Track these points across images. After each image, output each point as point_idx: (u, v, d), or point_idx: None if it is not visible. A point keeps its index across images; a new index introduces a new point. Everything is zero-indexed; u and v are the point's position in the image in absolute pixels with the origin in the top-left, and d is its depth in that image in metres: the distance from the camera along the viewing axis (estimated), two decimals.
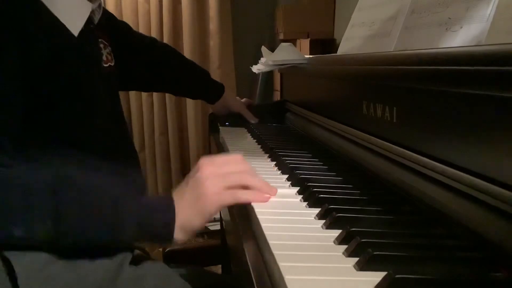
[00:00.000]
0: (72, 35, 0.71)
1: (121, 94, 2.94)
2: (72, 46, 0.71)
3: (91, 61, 0.76)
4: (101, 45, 0.80)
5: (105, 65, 0.80)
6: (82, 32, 0.73)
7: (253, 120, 1.29)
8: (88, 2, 0.75)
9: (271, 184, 0.65)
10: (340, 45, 1.11)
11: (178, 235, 0.61)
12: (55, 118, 0.69)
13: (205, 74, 1.26)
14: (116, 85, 0.88)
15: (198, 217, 0.61)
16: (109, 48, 0.84)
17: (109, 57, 0.82)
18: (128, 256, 0.67)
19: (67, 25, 0.70)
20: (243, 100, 1.36)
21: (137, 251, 0.72)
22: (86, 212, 0.58)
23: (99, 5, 0.79)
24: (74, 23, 0.71)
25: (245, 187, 0.62)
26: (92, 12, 0.77)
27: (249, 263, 0.48)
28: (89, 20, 0.76)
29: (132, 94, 2.52)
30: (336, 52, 1.16)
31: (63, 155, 0.67)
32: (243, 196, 0.61)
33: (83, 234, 0.58)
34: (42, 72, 0.66)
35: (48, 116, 0.69)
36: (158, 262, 0.74)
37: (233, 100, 1.31)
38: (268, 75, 2.40)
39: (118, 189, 0.62)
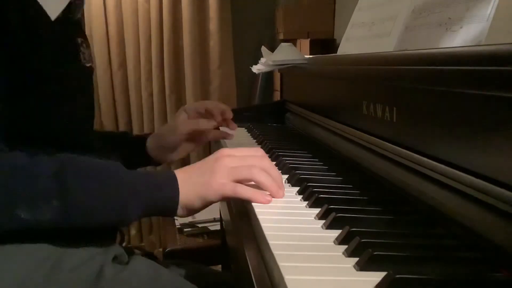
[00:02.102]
0: (48, 18, 0.68)
1: (121, 94, 2.91)
2: (49, 30, 0.69)
3: (68, 51, 0.74)
4: (84, 44, 0.79)
5: (87, 65, 0.78)
6: (60, 21, 0.71)
7: (229, 136, 1.02)
8: None
9: None
10: (340, 45, 1.11)
11: (180, 211, 0.63)
12: (26, 108, 0.66)
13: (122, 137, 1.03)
14: (92, 87, 0.85)
15: (199, 201, 0.63)
16: (90, 50, 0.82)
17: (89, 58, 0.80)
18: (107, 260, 0.65)
19: (44, 7, 0.68)
20: (210, 105, 0.99)
21: (120, 250, 0.70)
22: (91, 192, 0.58)
23: (82, 1, 0.77)
24: (53, 6, 0.69)
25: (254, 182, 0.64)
26: (74, 4, 0.75)
27: (249, 263, 0.48)
28: (69, 12, 0.74)
29: (132, 93, 2.52)
30: (336, 52, 1.16)
31: (34, 147, 0.64)
32: (242, 192, 0.62)
33: (89, 214, 0.58)
34: (16, 54, 0.64)
35: (19, 106, 0.66)
36: (144, 261, 0.71)
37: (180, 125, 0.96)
38: (268, 75, 2.40)
39: (121, 168, 0.62)
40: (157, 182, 0.63)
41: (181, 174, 0.63)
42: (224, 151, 0.66)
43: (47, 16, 0.68)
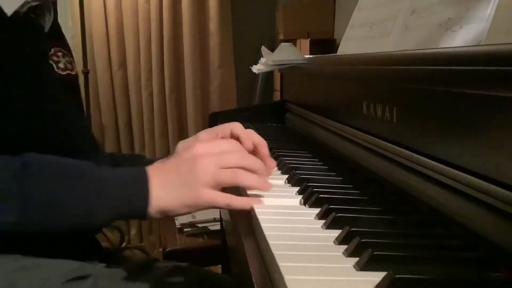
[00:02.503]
0: (5, 15, 0.65)
1: (121, 94, 2.91)
2: (6, 28, 0.66)
3: (31, 60, 0.71)
4: (60, 53, 0.77)
5: (63, 73, 0.76)
6: (26, 31, 0.69)
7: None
8: None
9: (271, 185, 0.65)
10: (340, 45, 1.11)
11: (156, 215, 0.60)
12: None
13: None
14: (78, 95, 0.83)
15: (185, 209, 0.60)
16: (71, 58, 0.80)
17: (69, 66, 0.79)
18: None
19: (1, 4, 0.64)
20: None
21: (86, 270, 0.65)
22: (53, 192, 0.55)
23: (49, 10, 0.76)
24: (8, 2, 0.65)
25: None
26: (42, 17, 0.74)
27: (249, 263, 0.48)
28: (35, 17, 0.73)
29: (132, 93, 2.52)
30: (336, 52, 1.16)
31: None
32: (236, 204, 0.60)
33: (51, 216, 0.55)
34: None
35: None
36: (106, 282, 0.66)
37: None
38: (268, 75, 2.40)
39: (90, 167, 0.59)
40: (127, 184, 0.59)
41: (157, 178, 0.60)
42: (199, 147, 0.62)
43: (3, 14, 0.65)
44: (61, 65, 0.76)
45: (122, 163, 0.87)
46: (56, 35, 0.79)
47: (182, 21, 2.43)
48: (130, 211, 0.59)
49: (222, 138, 0.70)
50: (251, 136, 0.71)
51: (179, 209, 0.60)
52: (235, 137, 0.69)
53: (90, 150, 0.78)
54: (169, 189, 0.59)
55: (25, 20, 0.70)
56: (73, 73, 0.79)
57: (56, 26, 0.79)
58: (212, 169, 0.59)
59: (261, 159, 0.70)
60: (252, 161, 0.63)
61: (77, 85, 0.83)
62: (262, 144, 0.72)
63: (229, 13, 2.50)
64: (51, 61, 0.75)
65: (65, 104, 0.74)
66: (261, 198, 0.62)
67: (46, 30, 0.75)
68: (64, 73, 0.76)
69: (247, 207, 0.60)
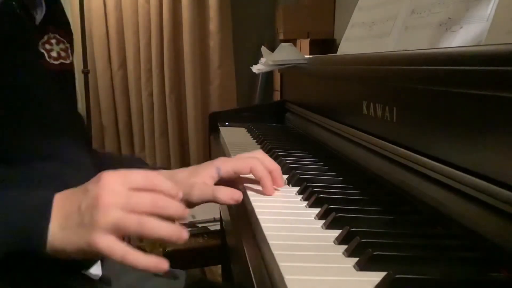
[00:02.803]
0: None
1: (121, 94, 2.92)
2: None
3: (14, 45, 0.66)
4: (52, 40, 0.73)
5: (55, 62, 0.71)
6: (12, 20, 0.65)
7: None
8: None
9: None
10: (340, 45, 1.11)
11: (58, 256, 0.51)
12: None
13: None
14: (71, 85, 0.78)
15: (78, 254, 0.50)
16: (67, 45, 0.74)
17: (63, 54, 0.73)
18: None
19: None
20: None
21: None
22: None
23: (40, 2, 0.73)
24: None
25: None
26: (33, 8, 0.71)
27: (249, 263, 0.48)
28: (28, 15, 0.70)
29: (132, 93, 2.53)
30: (336, 52, 1.16)
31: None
32: (134, 262, 0.49)
33: None
34: None
35: None
36: None
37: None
38: (268, 75, 2.40)
39: None
40: (25, 215, 0.51)
41: (61, 211, 0.51)
42: (108, 181, 0.51)
43: None
44: (53, 53, 0.71)
45: (116, 165, 0.75)
46: (53, 22, 0.73)
47: (182, 21, 2.43)
48: (25, 247, 0.50)
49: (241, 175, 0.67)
50: (269, 167, 0.67)
51: (76, 254, 0.50)
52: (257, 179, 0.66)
53: (77, 145, 0.72)
54: (68, 228, 0.50)
55: (5, 8, 0.65)
56: (67, 61, 0.74)
57: (54, 11, 0.73)
58: (116, 213, 0.50)
59: (273, 181, 0.67)
60: (167, 206, 0.52)
61: (72, 75, 0.78)
62: (276, 169, 0.68)
63: (229, 13, 2.50)
64: (42, 50, 0.70)
65: (51, 96, 0.69)
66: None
67: (38, 21, 0.70)
68: (57, 62, 0.72)
69: (147, 267, 0.50)
